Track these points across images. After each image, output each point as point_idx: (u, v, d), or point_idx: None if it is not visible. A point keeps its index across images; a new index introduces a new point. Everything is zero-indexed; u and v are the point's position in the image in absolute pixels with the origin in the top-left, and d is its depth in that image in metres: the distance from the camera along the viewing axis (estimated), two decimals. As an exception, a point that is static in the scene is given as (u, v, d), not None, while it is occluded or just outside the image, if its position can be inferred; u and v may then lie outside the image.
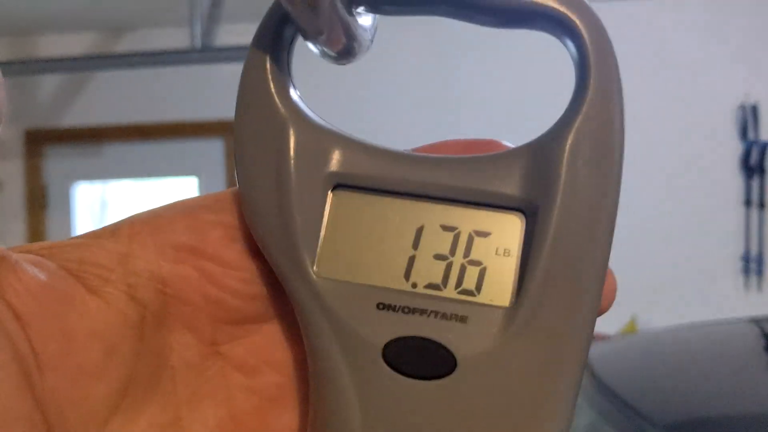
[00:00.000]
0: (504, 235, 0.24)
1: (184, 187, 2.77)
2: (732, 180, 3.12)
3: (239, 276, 0.24)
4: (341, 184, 0.25)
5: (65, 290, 0.22)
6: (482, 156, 0.25)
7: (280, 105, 0.25)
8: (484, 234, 0.24)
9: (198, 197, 0.25)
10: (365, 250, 0.25)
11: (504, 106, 2.96)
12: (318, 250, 0.25)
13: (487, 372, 0.23)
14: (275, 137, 0.25)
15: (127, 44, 2.88)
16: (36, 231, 2.70)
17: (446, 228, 0.25)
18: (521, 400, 0.23)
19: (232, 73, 2.73)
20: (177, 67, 2.68)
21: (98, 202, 2.90)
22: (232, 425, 0.25)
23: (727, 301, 3.10)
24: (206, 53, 2.49)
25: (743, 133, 3.09)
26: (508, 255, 0.24)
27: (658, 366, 1.42)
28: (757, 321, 1.63)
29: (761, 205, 3.10)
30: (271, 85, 0.25)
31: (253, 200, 0.25)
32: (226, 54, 2.47)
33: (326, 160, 0.25)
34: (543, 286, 0.23)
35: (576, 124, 0.23)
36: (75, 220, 2.76)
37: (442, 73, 2.96)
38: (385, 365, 0.23)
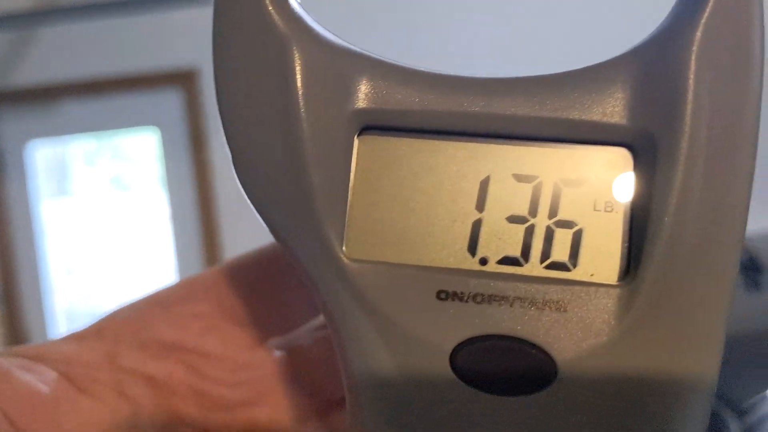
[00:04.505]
0: (604, 182, 0.17)
1: (145, 142, 2.67)
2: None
3: (222, 365, 0.24)
4: (371, 126, 0.18)
5: (57, 392, 0.22)
6: (565, 73, 0.18)
7: (277, 18, 0.18)
8: (576, 183, 0.18)
9: (172, 288, 0.26)
10: (411, 217, 0.18)
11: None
12: (347, 221, 0.18)
13: (600, 377, 0.17)
14: (274, 65, 0.17)
15: (72, -5, 2.73)
16: (-6, 196, 2.61)
17: (521, 178, 0.18)
18: (645, 410, 0.17)
19: (186, 20, 2.62)
20: (128, 17, 2.56)
21: (57, 163, 2.80)
22: None
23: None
24: (157, 1, 2.37)
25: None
26: (612, 210, 0.17)
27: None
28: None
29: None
30: None
31: (249, 159, 0.18)
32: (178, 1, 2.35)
33: (348, 92, 0.18)
34: (670, 251, 0.16)
35: (703, 20, 0.16)
36: (34, 182, 2.67)
37: None
38: (455, 378, 0.17)
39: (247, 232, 2.31)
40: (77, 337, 0.24)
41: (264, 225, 0.18)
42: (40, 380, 0.22)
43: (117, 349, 0.24)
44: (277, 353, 0.25)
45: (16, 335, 2.36)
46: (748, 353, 0.95)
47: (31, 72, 2.68)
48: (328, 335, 0.24)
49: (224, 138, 0.18)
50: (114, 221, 2.65)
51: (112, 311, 0.25)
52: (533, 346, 0.17)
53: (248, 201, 0.18)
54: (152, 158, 2.67)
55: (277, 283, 0.25)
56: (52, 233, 2.67)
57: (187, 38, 2.70)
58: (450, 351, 0.17)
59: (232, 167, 0.18)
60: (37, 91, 2.66)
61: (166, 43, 2.65)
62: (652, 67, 0.17)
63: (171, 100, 2.60)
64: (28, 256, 2.56)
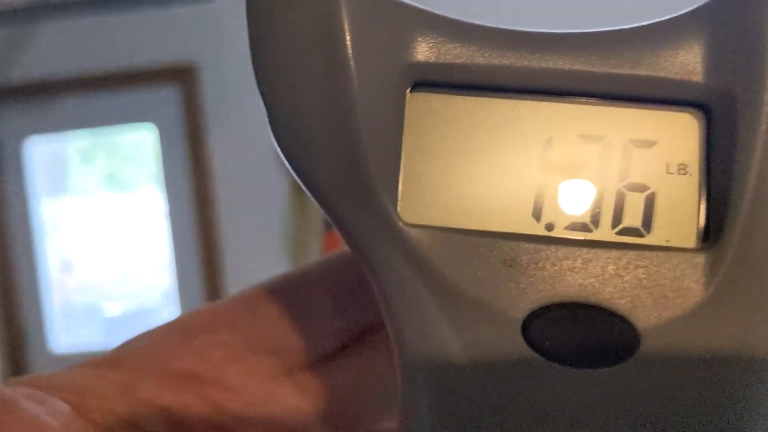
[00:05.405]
0: (677, 142, 0.16)
1: (142, 139, 2.66)
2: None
3: (242, 399, 0.23)
4: (424, 82, 0.17)
5: (67, 426, 0.21)
6: (634, 27, 0.17)
7: None
8: (647, 143, 0.16)
9: (194, 315, 0.25)
10: (470, 180, 0.16)
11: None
12: (400, 183, 0.16)
13: (685, 346, 0.15)
14: (321, 14, 0.16)
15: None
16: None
17: (588, 138, 0.16)
18: (729, 382, 0.15)
19: (184, 15, 2.61)
20: (126, 13, 2.55)
21: (54, 159, 2.79)
22: None
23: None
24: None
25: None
26: (686, 173, 0.16)
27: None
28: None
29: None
30: None
31: (289, 115, 0.16)
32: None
33: (400, 45, 0.16)
34: (753, 213, 0.15)
35: None
36: (32, 178, 2.66)
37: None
38: (529, 350, 0.15)
39: (244, 230, 2.27)
40: (92, 366, 0.23)
41: (309, 194, 0.17)
42: (50, 413, 0.21)
43: (133, 380, 0.23)
44: (303, 385, 0.24)
45: (14, 332, 2.35)
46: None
47: (28, 68, 2.67)
48: (357, 364, 0.24)
49: (259, 95, 0.16)
50: (111, 218, 2.63)
51: (129, 339, 0.24)
52: (613, 314, 0.15)
53: (286, 163, 0.17)
54: (149, 155, 2.66)
55: (307, 310, 0.23)
56: (50, 230, 2.65)
57: (185, 34, 2.69)
58: (522, 321, 0.15)
59: (268, 126, 0.17)
60: (34, 87, 2.65)
61: (163, 38, 2.64)
62: (730, 20, 0.16)
63: (168, 97, 2.59)
64: (25, 252, 2.54)
